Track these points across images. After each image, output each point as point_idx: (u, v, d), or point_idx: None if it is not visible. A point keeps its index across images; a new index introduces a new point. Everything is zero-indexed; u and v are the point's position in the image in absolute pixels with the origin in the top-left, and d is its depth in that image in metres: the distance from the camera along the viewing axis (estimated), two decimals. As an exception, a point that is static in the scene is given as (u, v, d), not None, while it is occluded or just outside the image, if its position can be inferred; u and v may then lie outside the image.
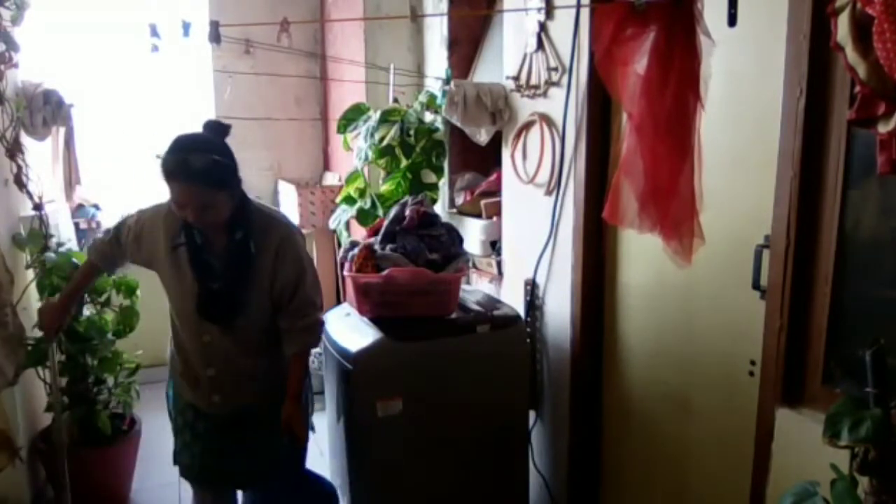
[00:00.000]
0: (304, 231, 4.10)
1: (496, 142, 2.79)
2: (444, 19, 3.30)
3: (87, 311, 2.82)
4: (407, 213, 2.30)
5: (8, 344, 2.30)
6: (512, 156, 2.68)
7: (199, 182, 1.76)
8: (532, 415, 2.58)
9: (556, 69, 2.38)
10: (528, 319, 2.61)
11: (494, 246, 2.92)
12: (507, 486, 2.40)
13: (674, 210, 1.63)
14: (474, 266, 3.03)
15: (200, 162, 1.76)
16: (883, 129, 1.15)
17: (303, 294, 1.95)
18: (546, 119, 2.46)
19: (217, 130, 1.90)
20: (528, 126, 2.59)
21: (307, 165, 4.66)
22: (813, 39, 1.49)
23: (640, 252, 2.19)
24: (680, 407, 2.10)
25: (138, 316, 2.88)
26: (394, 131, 2.87)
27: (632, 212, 1.69)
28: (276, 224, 1.98)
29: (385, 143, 2.87)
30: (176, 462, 2.10)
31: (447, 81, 2.78)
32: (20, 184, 2.64)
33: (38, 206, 2.70)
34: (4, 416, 2.24)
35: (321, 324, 2.04)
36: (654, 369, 2.21)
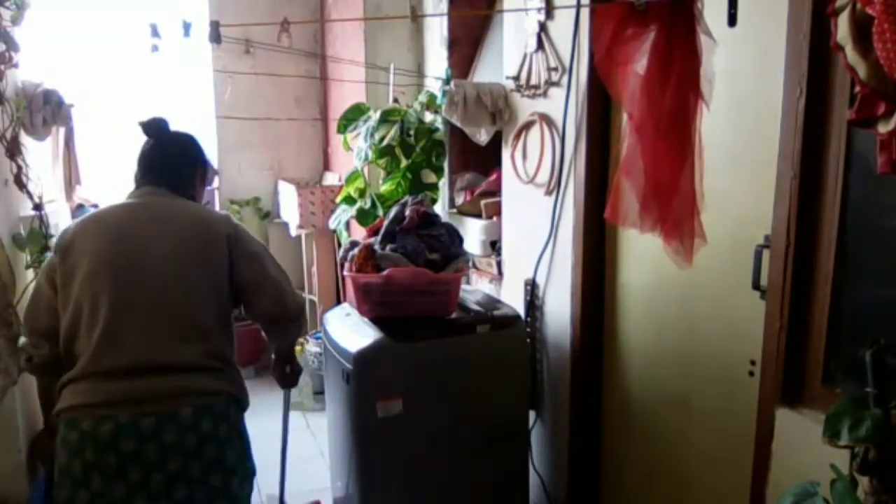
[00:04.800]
0: (304, 231, 4.12)
1: (496, 142, 2.79)
2: (444, 19, 3.30)
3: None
4: (407, 213, 2.30)
5: (12, 343, 2.31)
6: (512, 156, 2.68)
7: None
8: (532, 415, 2.58)
9: (556, 69, 2.38)
10: (528, 319, 2.61)
11: (494, 246, 2.92)
12: (507, 486, 2.40)
13: (675, 210, 1.63)
14: (474, 266, 3.03)
15: None
16: (883, 129, 1.15)
17: None
18: (546, 119, 2.46)
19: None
20: (528, 126, 2.59)
21: (307, 165, 4.66)
22: (813, 39, 1.49)
23: (641, 252, 2.19)
24: (680, 407, 2.10)
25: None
26: (394, 131, 2.87)
27: (633, 212, 1.69)
28: None
29: (385, 143, 2.87)
30: None
31: (447, 81, 2.78)
32: (20, 184, 2.63)
33: (38, 206, 2.70)
34: (6, 417, 2.24)
35: None
36: (654, 369, 2.21)
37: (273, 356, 2.14)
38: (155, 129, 1.88)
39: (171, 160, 1.88)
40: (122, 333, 1.63)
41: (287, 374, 2.16)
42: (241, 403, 1.79)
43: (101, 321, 1.63)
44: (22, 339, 1.79)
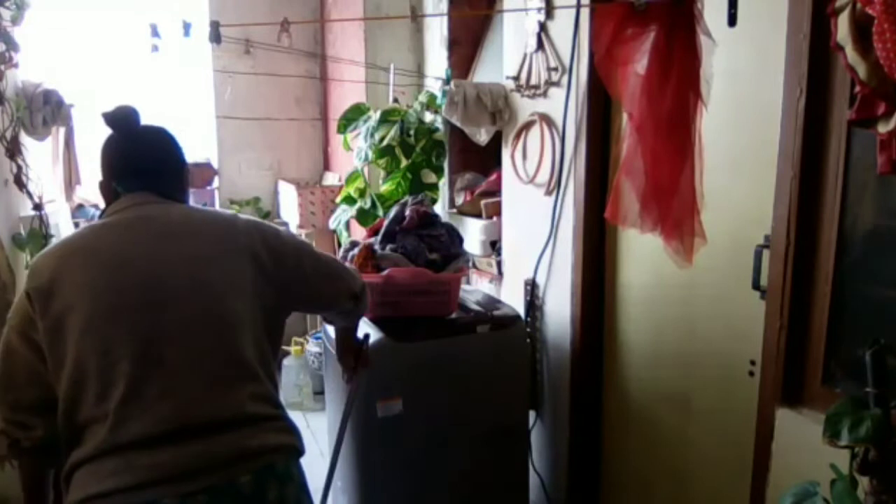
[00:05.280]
0: (304, 231, 4.12)
1: (496, 142, 2.79)
2: (444, 19, 3.30)
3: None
4: (407, 213, 2.30)
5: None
6: (512, 156, 2.68)
7: None
8: (532, 415, 2.58)
9: (556, 69, 2.38)
10: (528, 319, 2.61)
11: (494, 246, 2.92)
12: (507, 486, 2.40)
13: (675, 209, 1.63)
14: (474, 266, 3.03)
15: None
16: (883, 129, 1.15)
17: None
18: (546, 119, 2.46)
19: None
20: (528, 126, 2.59)
21: (307, 165, 4.66)
22: (813, 39, 1.49)
23: (640, 252, 2.19)
24: (680, 407, 2.10)
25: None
26: (394, 131, 2.88)
27: (633, 212, 1.69)
28: None
29: (385, 143, 2.87)
30: None
31: (447, 81, 2.78)
32: (20, 184, 2.64)
33: (38, 206, 2.70)
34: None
35: None
36: (654, 369, 2.21)
37: (340, 341, 1.85)
38: (124, 121, 1.45)
39: (154, 158, 1.46)
40: (151, 390, 1.25)
41: (362, 352, 1.85)
42: (301, 453, 1.42)
43: (122, 379, 1.24)
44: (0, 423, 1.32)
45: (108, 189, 1.44)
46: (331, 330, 2.24)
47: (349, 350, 1.84)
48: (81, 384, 1.25)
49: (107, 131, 1.46)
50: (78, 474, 1.25)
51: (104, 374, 1.24)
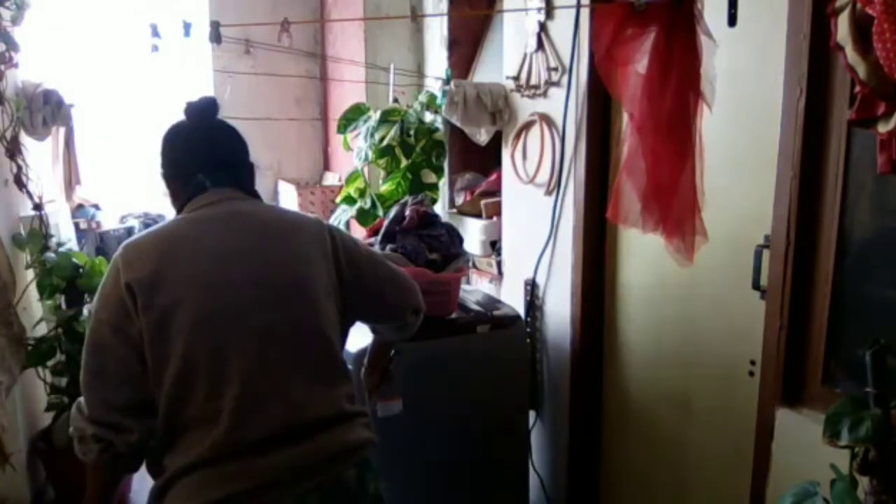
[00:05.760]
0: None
1: (496, 142, 2.79)
2: (444, 19, 3.30)
3: (87, 311, 2.82)
4: (407, 213, 2.30)
5: (13, 343, 2.31)
6: (512, 156, 2.68)
7: None
8: (532, 415, 2.58)
9: (556, 69, 2.38)
10: (528, 319, 2.61)
11: (494, 246, 2.92)
12: (507, 486, 2.40)
13: (676, 208, 1.63)
14: (474, 266, 3.03)
15: None
16: (883, 129, 1.15)
17: None
18: (546, 119, 2.46)
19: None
20: (528, 126, 2.59)
21: (307, 165, 4.65)
22: (813, 39, 1.49)
23: (641, 252, 2.19)
24: (680, 407, 2.10)
25: (138, 316, 2.87)
26: (394, 131, 2.87)
27: (634, 211, 1.69)
28: None
29: (385, 143, 2.87)
30: None
31: (447, 81, 2.78)
32: (20, 184, 2.64)
33: (38, 206, 2.70)
34: (7, 416, 2.24)
35: None
36: (654, 369, 2.21)
37: (376, 354, 1.81)
38: (207, 112, 1.41)
39: (232, 154, 1.43)
40: (263, 389, 1.22)
41: (388, 370, 1.82)
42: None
43: (236, 378, 1.20)
44: (90, 427, 1.23)
45: (183, 182, 1.38)
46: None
47: (379, 364, 1.80)
48: (190, 382, 1.20)
49: (173, 121, 1.41)
50: (185, 482, 1.18)
51: (216, 372, 1.20)
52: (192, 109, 1.40)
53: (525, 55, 2.55)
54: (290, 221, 1.41)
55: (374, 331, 1.73)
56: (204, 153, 1.39)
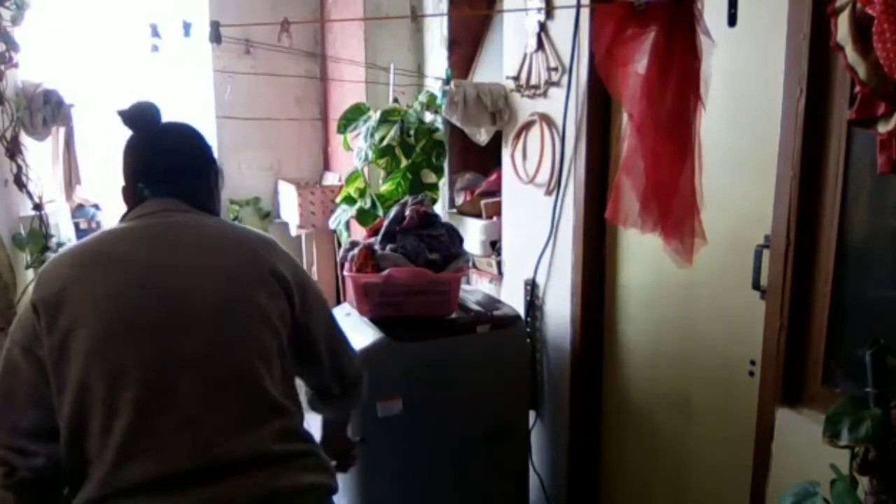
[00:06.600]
0: (304, 231, 4.12)
1: (496, 142, 2.79)
2: (444, 19, 3.30)
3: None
4: (407, 213, 2.30)
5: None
6: (512, 156, 2.68)
7: None
8: (532, 415, 2.58)
9: (556, 69, 2.38)
10: (528, 319, 2.61)
11: (494, 246, 2.92)
12: (507, 486, 2.40)
13: (675, 209, 1.63)
14: (474, 266, 3.03)
15: None
16: (883, 129, 1.15)
17: None
18: (546, 119, 2.46)
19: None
20: (528, 126, 2.59)
21: (307, 165, 4.65)
22: (813, 39, 1.49)
23: (640, 252, 2.19)
24: (680, 407, 2.10)
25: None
26: (394, 131, 2.87)
27: (633, 212, 1.69)
28: None
29: (385, 143, 2.87)
30: None
31: (447, 81, 2.78)
32: (20, 184, 2.64)
33: (38, 206, 2.70)
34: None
35: None
36: (654, 369, 2.21)
37: (325, 438, 1.60)
38: (141, 118, 1.32)
39: (179, 160, 1.33)
40: (164, 422, 1.10)
41: (345, 453, 1.65)
42: (334, 491, 1.29)
43: (128, 408, 1.09)
44: None
45: (131, 192, 1.31)
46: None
47: (333, 448, 1.56)
48: (85, 413, 1.10)
49: (126, 130, 1.35)
50: None
51: (108, 403, 1.10)
52: (126, 118, 1.32)
53: (525, 55, 2.55)
54: (233, 239, 1.28)
55: (309, 404, 1.53)
56: (150, 161, 1.32)
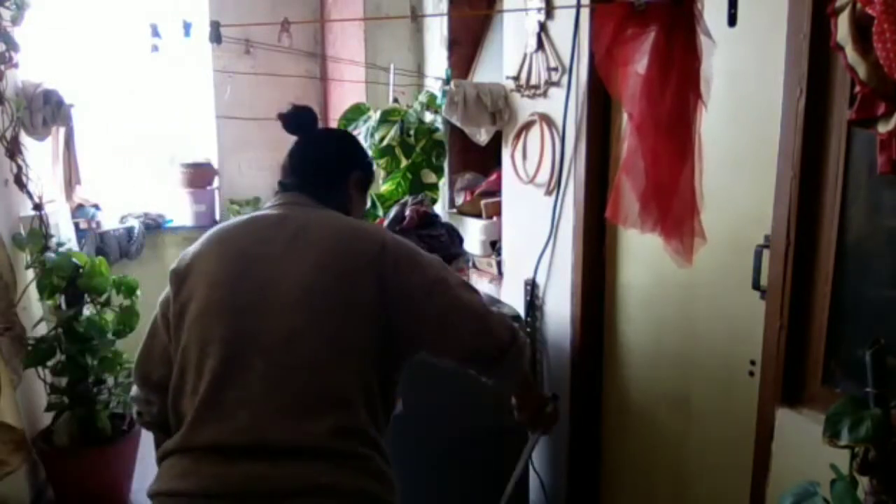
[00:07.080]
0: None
1: (496, 142, 2.79)
2: (444, 19, 3.30)
3: (88, 311, 2.83)
4: (407, 213, 2.30)
5: (16, 343, 2.31)
6: (512, 156, 2.68)
7: None
8: (532, 415, 2.58)
9: (556, 69, 2.38)
10: (528, 319, 2.61)
11: (494, 246, 2.92)
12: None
13: (675, 209, 1.63)
14: (474, 266, 3.03)
15: None
16: (883, 129, 1.15)
17: None
18: (546, 119, 2.46)
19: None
20: (528, 126, 2.59)
21: (307, 165, 4.65)
22: (813, 39, 1.49)
23: (641, 252, 2.19)
24: (680, 407, 2.10)
25: (138, 316, 2.88)
26: (394, 131, 2.88)
27: (633, 212, 1.69)
28: None
29: (385, 143, 2.87)
30: None
31: (447, 81, 2.78)
32: (20, 184, 2.64)
33: (38, 206, 2.70)
34: (19, 415, 2.24)
35: None
36: (654, 369, 2.21)
37: (517, 406, 1.62)
38: (295, 124, 1.47)
39: (315, 160, 1.46)
40: (231, 397, 1.19)
41: (544, 413, 1.65)
42: (385, 501, 1.25)
43: (208, 377, 1.20)
44: (134, 390, 1.40)
45: (278, 185, 1.47)
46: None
47: (526, 408, 1.61)
48: (183, 374, 1.25)
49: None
50: (162, 464, 1.23)
51: (198, 370, 1.22)
52: (284, 122, 1.47)
53: (525, 55, 2.55)
54: (336, 231, 1.32)
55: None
56: (288, 159, 1.47)
